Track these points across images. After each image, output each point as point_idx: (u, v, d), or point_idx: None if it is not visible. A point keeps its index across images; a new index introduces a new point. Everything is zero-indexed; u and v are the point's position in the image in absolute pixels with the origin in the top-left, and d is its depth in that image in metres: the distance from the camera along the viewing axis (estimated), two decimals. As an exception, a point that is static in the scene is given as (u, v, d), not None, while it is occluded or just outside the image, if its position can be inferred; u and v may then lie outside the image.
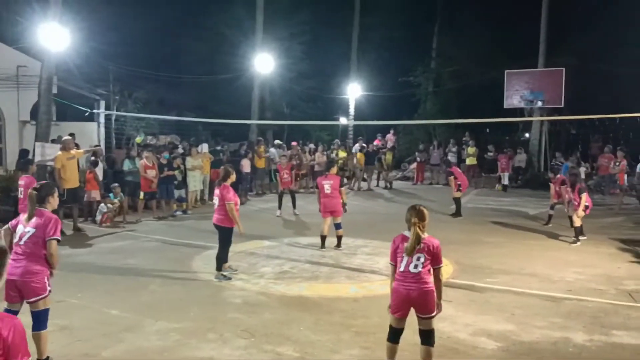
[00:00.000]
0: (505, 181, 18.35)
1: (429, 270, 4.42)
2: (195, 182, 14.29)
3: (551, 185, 12.15)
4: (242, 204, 10.88)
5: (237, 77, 22.79)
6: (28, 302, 4.55)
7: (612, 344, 5.44)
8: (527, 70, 20.06)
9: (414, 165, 21.34)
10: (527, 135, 22.30)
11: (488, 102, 21.98)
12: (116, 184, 12.59)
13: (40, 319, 4.55)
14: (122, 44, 20.71)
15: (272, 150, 18.47)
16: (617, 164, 13.91)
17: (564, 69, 18.93)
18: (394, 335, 4.58)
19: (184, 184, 13.96)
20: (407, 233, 4.45)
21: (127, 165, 13.21)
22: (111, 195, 12.30)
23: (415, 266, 4.37)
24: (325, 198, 9.51)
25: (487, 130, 24.77)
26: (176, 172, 13.44)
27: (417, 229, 4.35)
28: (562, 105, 18.40)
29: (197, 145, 15.30)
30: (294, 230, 11.52)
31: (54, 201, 4.85)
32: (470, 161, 19.51)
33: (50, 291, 4.63)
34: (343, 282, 7.60)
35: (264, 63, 20.29)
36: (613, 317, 6.19)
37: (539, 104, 18.91)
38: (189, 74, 22.77)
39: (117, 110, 18.04)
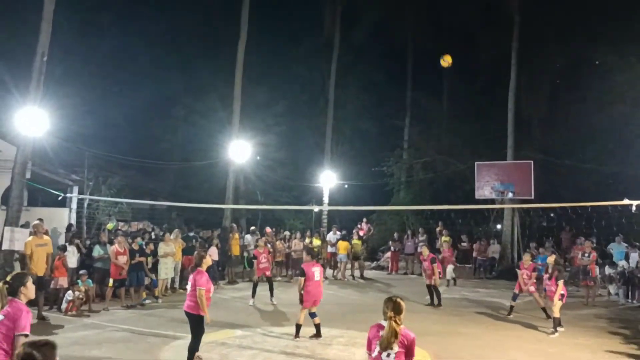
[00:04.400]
0: (448, 276, 16.71)
1: None
2: (167, 269, 13.87)
3: (519, 272, 12.15)
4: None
5: (211, 165, 22.94)
6: None
7: None
8: (496, 162, 20.75)
9: (388, 254, 21.28)
10: (499, 226, 22.69)
11: (459, 192, 22.55)
12: (83, 271, 12.15)
13: None
14: (97, 130, 20.87)
15: (247, 237, 18.27)
16: (587, 255, 14.11)
17: (532, 161, 19.66)
18: None
19: (155, 270, 13.54)
20: (383, 322, 4.38)
21: (97, 252, 12.80)
22: (79, 282, 11.81)
23: (388, 354, 4.27)
24: (313, 286, 9.17)
25: (459, 220, 25.20)
26: (148, 259, 13.09)
27: (393, 323, 4.28)
28: (532, 197, 18.91)
29: (170, 232, 15.01)
30: (267, 320, 11.10)
31: (27, 291, 4.58)
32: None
33: None
34: (320, 375, 7.27)
35: (239, 152, 20.58)
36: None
37: (510, 195, 19.41)
38: (164, 161, 22.87)
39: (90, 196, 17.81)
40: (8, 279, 4.63)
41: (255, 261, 13.29)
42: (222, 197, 21.32)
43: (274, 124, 26.14)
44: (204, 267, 7.62)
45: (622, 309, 13.30)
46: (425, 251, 13.60)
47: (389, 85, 29.25)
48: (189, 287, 7.56)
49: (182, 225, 19.30)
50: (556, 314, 10.12)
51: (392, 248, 20.94)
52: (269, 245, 16.33)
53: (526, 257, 12.33)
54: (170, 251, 13.93)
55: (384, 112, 28.89)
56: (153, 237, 15.50)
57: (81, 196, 16.90)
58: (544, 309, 11.40)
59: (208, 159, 22.87)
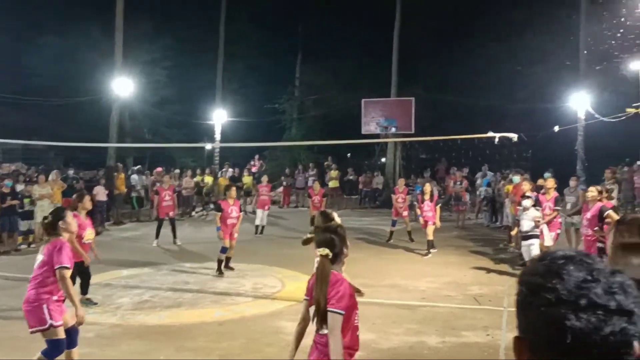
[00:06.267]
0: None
1: None
2: (44, 212, 13.01)
3: (394, 197, 13.03)
4: (98, 233, 10.20)
5: (93, 101, 21.45)
6: None
7: (461, 343, 5.93)
8: (381, 99, 21.59)
9: (281, 189, 21.64)
10: (383, 159, 23.83)
11: (348, 128, 23.14)
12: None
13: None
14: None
15: (134, 176, 17.61)
16: (459, 183, 15.44)
17: (413, 98, 20.64)
18: None
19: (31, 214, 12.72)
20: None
21: (-40, 196, 11.73)
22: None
23: None
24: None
25: (349, 155, 26.06)
26: (25, 201, 12.23)
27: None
28: (413, 131, 19.97)
29: (46, 173, 14.03)
30: (158, 259, 10.95)
31: (67, 225, 4.74)
32: (333, 184, 20.31)
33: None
34: (208, 307, 7.41)
35: (123, 86, 19.36)
36: (461, 320, 6.75)
37: (393, 130, 20.37)
38: (38, 97, 20.96)
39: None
40: (48, 214, 4.81)
41: (157, 198, 12.75)
42: (106, 135, 20.17)
43: (162, 58, 24.89)
44: (81, 210, 7.22)
45: (487, 230, 14.84)
46: (316, 186, 14.32)
47: (281, 22, 28.77)
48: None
49: (61, 166, 18.14)
50: (430, 237, 11.03)
51: (284, 183, 21.31)
52: (174, 182, 15.50)
53: (400, 182, 13.42)
54: (46, 193, 13.08)
55: (277, 49, 28.53)
56: (27, 179, 14.43)
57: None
58: (409, 233, 12.59)
59: (90, 95, 21.35)
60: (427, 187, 11.59)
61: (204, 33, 27.03)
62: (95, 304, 7.41)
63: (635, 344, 0.90)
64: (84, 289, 7.38)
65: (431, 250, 11.00)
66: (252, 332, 6.30)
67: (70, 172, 15.58)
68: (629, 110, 12.22)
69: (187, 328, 6.47)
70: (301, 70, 29.35)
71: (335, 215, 5.16)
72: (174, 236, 12.64)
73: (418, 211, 11.71)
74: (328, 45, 28.10)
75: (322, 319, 3.02)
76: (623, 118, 13.97)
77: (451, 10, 24.54)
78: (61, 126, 22.46)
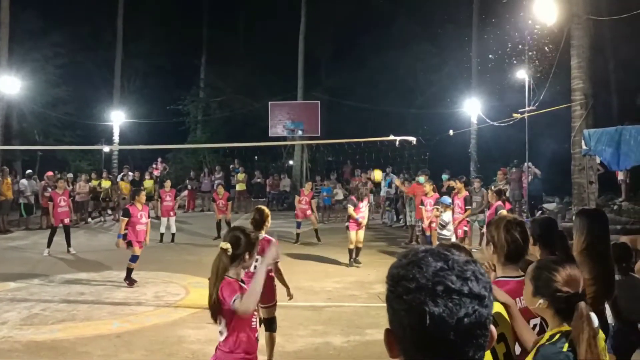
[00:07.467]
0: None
1: None
2: None
3: (298, 197, 13.17)
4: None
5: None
6: None
7: (365, 342, 6.06)
8: (287, 102, 21.78)
9: (185, 192, 21.04)
10: (290, 162, 23.98)
11: (255, 130, 23.10)
12: None
13: None
14: None
15: (23, 181, 16.35)
16: (365, 185, 15.84)
17: (319, 102, 21.06)
18: None
19: None
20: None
21: None
22: None
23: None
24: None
25: (255, 157, 25.95)
26: None
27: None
28: (319, 134, 20.33)
29: None
30: (50, 270, 10.16)
31: None
32: (240, 187, 20.09)
33: None
34: (104, 319, 7.01)
35: (9, 85, 17.92)
36: (365, 318, 6.91)
37: (299, 132, 20.59)
38: None
39: None
40: None
41: (52, 204, 11.79)
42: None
43: (54, 56, 23.36)
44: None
45: (390, 230, 15.39)
46: (221, 190, 14.15)
47: (185, 22, 27.99)
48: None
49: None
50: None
51: (188, 186, 20.77)
52: (68, 186, 14.44)
53: (307, 186, 13.57)
54: None
55: (180, 49, 27.73)
56: None
57: None
58: (316, 231, 12.91)
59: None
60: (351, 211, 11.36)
61: (100, 29, 25.75)
62: None
63: (492, 327, 0.98)
64: None
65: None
66: (153, 343, 6.04)
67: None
68: (515, 115, 13.36)
69: (81, 342, 6.08)
70: (206, 72, 28.78)
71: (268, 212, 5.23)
72: (68, 244, 11.84)
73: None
74: (233, 48, 27.82)
75: (213, 313, 3.07)
76: (510, 122, 15.06)
77: (354, 19, 25.34)
78: None
